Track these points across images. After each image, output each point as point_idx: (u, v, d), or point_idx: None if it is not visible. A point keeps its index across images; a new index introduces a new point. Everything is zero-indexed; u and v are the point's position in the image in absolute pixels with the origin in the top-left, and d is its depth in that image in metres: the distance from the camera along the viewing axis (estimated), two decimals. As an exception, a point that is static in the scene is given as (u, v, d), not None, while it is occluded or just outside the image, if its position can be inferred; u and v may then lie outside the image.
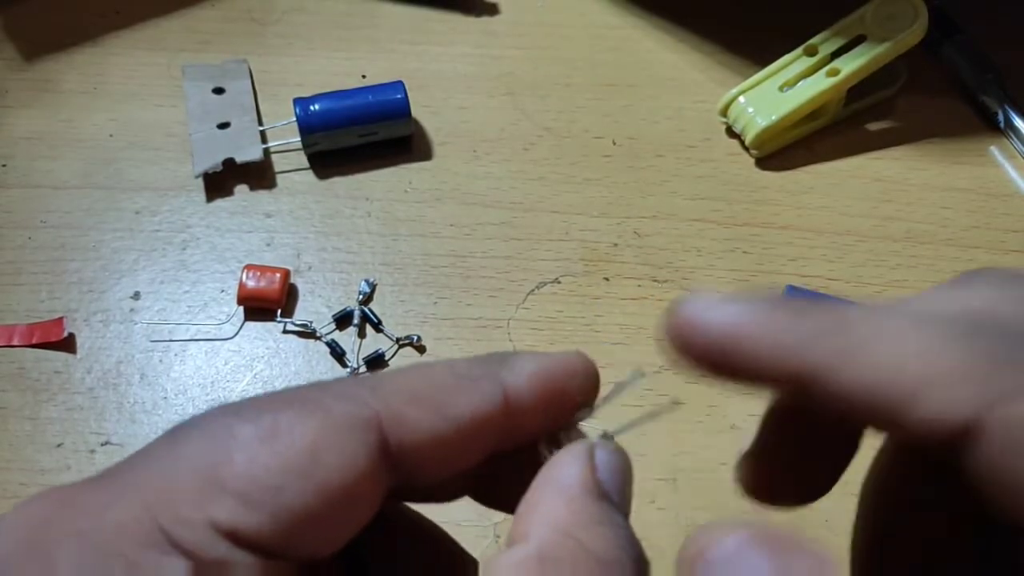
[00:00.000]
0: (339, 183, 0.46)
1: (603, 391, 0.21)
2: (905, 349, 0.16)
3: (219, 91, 0.47)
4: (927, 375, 0.15)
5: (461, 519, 0.27)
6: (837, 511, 0.38)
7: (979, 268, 0.18)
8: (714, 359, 0.18)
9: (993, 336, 0.16)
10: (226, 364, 0.41)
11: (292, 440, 0.17)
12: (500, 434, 0.19)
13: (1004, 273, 0.18)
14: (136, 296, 0.42)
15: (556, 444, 0.20)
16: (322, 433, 0.18)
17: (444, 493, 0.22)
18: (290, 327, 0.41)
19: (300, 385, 0.19)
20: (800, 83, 0.46)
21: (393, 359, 0.41)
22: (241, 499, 0.17)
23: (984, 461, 0.15)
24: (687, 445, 0.38)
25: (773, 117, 0.45)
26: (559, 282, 0.43)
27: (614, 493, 0.19)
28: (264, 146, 0.46)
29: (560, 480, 0.19)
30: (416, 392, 0.19)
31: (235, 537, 0.17)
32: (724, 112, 0.47)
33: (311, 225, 0.45)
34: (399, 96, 0.45)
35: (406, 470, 0.19)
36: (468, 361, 0.20)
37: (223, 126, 0.46)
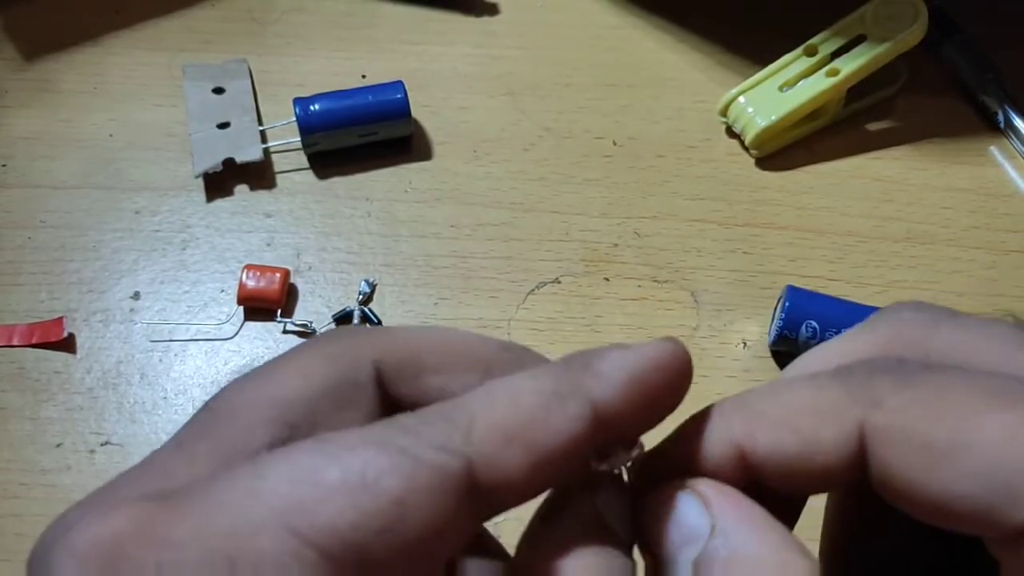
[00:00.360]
0: (339, 183, 0.46)
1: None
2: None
3: (219, 91, 0.47)
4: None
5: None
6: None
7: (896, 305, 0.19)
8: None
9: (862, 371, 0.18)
10: (226, 364, 0.41)
11: (380, 494, 0.16)
12: (587, 447, 0.18)
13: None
14: (136, 296, 0.42)
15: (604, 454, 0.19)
16: (411, 488, 0.16)
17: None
18: (290, 327, 0.41)
19: (390, 422, 0.17)
20: (800, 83, 0.46)
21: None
22: (321, 554, 0.16)
23: (874, 469, 0.17)
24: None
25: (773, 117, 0.45)
26: (559, 282, 0.43)
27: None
28: (264, 146, 0.46)
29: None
30: (509, 430, 0.17)
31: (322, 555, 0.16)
32: (724, 112, 0.47)
33: (311, 225, 0.45)
34: (399, 96, 0.45)
35: (495, 503, 0.18)
36: (553, 371, 0.18)
37: (223, 126, 0.46)
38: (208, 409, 0.18)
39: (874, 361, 0.18)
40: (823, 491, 0.20)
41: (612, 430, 0.18)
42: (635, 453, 0.19)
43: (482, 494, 0.17)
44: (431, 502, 0.16)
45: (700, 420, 0.20)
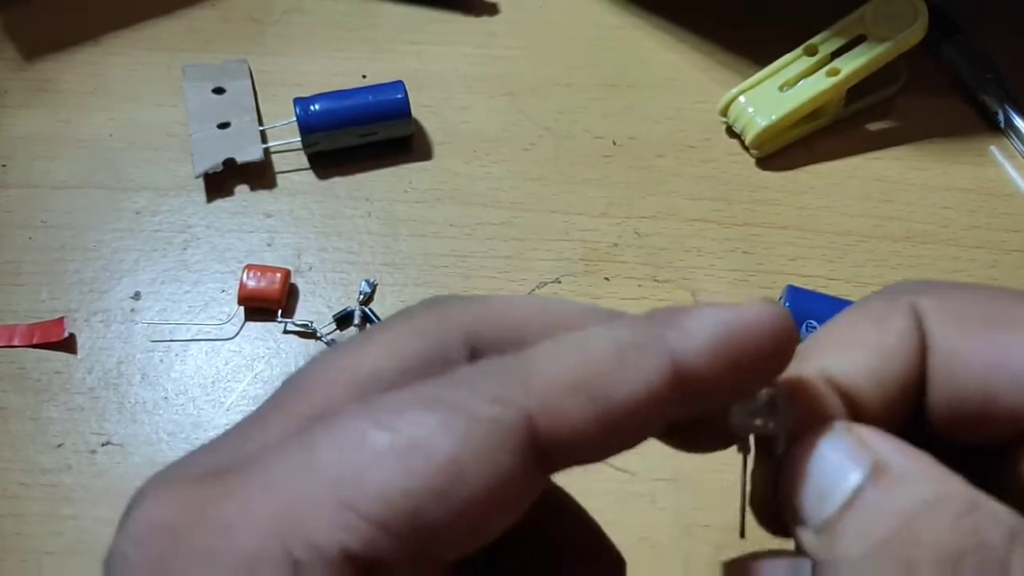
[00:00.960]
0: (339, 183, 0.46)
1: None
2: None
3: (219, 91, 0.47)
4: None
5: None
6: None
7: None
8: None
9: None
10: (227, 364, 0.41)
11: (432, 455, 0.15)
12: (670, 408, 0.16)
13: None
14: (136, 296, 0.42)
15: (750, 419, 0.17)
16: (466, 446, 0.15)
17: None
18: (291, 327, 0.41)
19: (443, 378, 0.16)
20: (800, 83, 0.46)
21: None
22: (376, 525, 0.15)
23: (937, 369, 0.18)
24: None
25: (773, 117, 0.45)
26: (559, 282, 0.43)
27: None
28: (264, 146, 0.46)
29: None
30: (574, 379, 0.16)
31: (369, 565, 0.15)
32: (724, 112, 0.47)
33: (311, 225, 0.45)
34: (399, 96, 0.45)
35: (560, 460, 0.16)
36: (632, 322, 0.17)
37: (223, 126, 0.46)
38: (289, 383, 0.18)
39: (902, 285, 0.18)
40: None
41: (695, 394, 0.16)
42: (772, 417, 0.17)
43: (545, 451, 0.16)
44: (489, 459, 0.15)
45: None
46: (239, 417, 0.21)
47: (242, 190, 0.45)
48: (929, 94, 0.50)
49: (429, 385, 0.16)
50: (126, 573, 0.15)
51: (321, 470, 0.15)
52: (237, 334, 0.41)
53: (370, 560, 0.15)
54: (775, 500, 0.18)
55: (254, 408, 0.18)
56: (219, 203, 0.45)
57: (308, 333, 0.41)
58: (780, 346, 0.16)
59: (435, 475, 0.15)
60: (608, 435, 0.16)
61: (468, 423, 0.15)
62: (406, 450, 0.15)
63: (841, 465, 0.16)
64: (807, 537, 0.17)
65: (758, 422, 0.17)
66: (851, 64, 0.45)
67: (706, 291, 0.43)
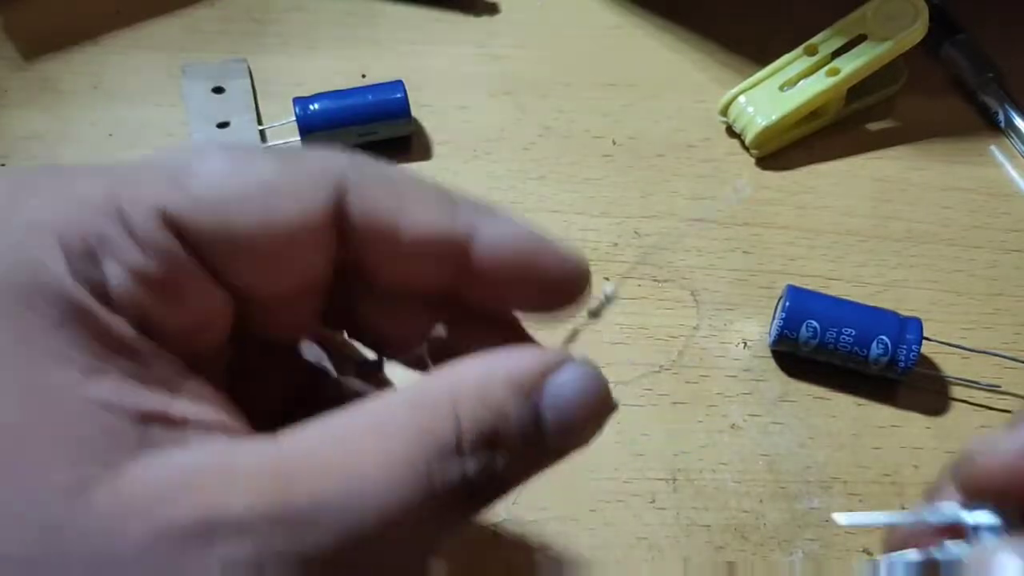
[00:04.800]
0: (339, 183, 0.46)
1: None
2: None
3: (219, 90, 0.47)
4: None
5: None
6: (836, 509, 0.38)
7: None
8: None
9: None
10: (226, 364, 0.41)
11: (257, 169, 0.19)
12: (452, 274, 0.20)
13: None
14: (135, 296, 0.42)
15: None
16: (288, 171, 0.19)
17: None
18: (290, 327, 0.41)
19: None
20: (800, 82, 0.46)
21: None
22: (194, 200, 0.18)
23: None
24: (687, 445, 0.38)
25: (773, 117, 0.45)
26: (559, 282, 0.43)
27: (556, 418, 0.19)
28: (264, 145, 0.46)
29: (504, 361, 0.19)
30: (391, 180, 0.20)
31: (180, 233, 0.18)
32: (724, 112, 0.47)
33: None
34: (399, 96, 0.45)
35: (355, 247, 0.20)
36: (456, 194, 0.21)
37: (223, 126, 0.46)
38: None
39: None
40: None
41: (484, 281, 0.20)
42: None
43: (349, 221, 0.20)
44: (302, 183, 0.19)
45: None
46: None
47: (241, 190, 0.45)
48: (929, 94, 0.50)
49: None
50: None
51: (159, 162, 0.19)
52: (236, 334, 0.41)
53: (186, 230, 0.18)
54: None
55: None
56: (218, 203, 0.45)
57: (307, 333, 0.41)
58: (563, 279, 0.21)
59: (256, 181, 0.19)
60: (395, 248, 0.20)
61: (296, 160, 0.19)
62: (238, 160, 0.19)
63: None
64: None
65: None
66: (851, 64, 0.45)
67: (706, 291, 0.43)
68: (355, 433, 0.17)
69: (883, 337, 0.38)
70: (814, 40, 0.47)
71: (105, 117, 0.47)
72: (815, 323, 0.39)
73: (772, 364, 0.41)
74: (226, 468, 0.16)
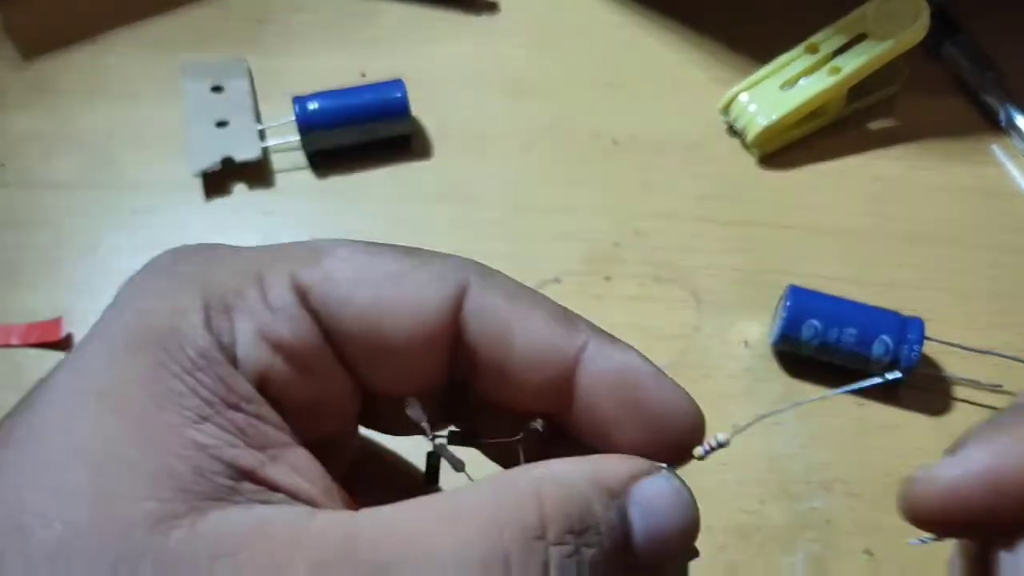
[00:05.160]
0: (338, 182, 0.46)
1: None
2: None
3: (218, 89, 0.47)
4: None
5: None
6: (837, 509, 0.38)
7: None
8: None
9: None
10: (225, 364, 0.40)
11: (386, 260, 0.20)
12: (557, 393, 0.20)
13: None
14: (134, 296, 0.42)
15: None
16: (415, 265, 0.20)
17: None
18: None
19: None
20: (801, 81, 0.46)
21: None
22: (325, 275, 0.19)
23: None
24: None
25: (774, 116, 0.45)
26: (559, 281, 0.43)
27: (644, 524, 0.19)
28: (263, 145, 0.45)
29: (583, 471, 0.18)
30: (511, 290, 0.21)
31: (310, 306, 0.19)
32: (725, 111, 0.47)
33: (310, 224, 0.44)
34: (399, 95, 0.45)
35: (467, 351, 0.20)
36: (574, 313, 0.21)
37: (222, 124, 0.46)
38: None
39: None
40: None
41: (590, 403, 0.20)
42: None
43: (465, 328, 0.20)
44: (425, 283, 0.20)
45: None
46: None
47: (240, 189, 0.45)
48: (930, 93, 0.49)
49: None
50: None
51: (303, 244, 0.21)
52: (236, 334, 0.41)
53: (313, 300, 0.19)
54: None
55: None
56: (217, 202, 0.45)
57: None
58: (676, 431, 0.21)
59: (384, 272, 0.20)
60: (505, 364, 0.20)
61: (421, 259, 0.20)
62: (366, 252, 0.20)
63: None
64: None
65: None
66: (852, 63, 0.45)
67: (708, 291, 0.43)
68: (433, 513, 0.17)
69: (885, 337, 0.38)
70: (815, 39, 0.46)
71: (104, 117, 0.47)
72: (817, 323, 0.38)
73: (774, 364, 0.41)
74: (299, 528, 0.17)
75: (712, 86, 0.49)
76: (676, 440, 0.20)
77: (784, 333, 0.39)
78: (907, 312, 0.39)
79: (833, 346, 0.38)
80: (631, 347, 0.21)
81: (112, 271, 0.43)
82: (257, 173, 0.45)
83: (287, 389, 0.19)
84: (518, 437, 0.21)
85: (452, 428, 0.22)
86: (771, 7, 0.52)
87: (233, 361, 0.18)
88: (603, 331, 0.21)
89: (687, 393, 0.21)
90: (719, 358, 0.41)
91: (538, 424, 0.20)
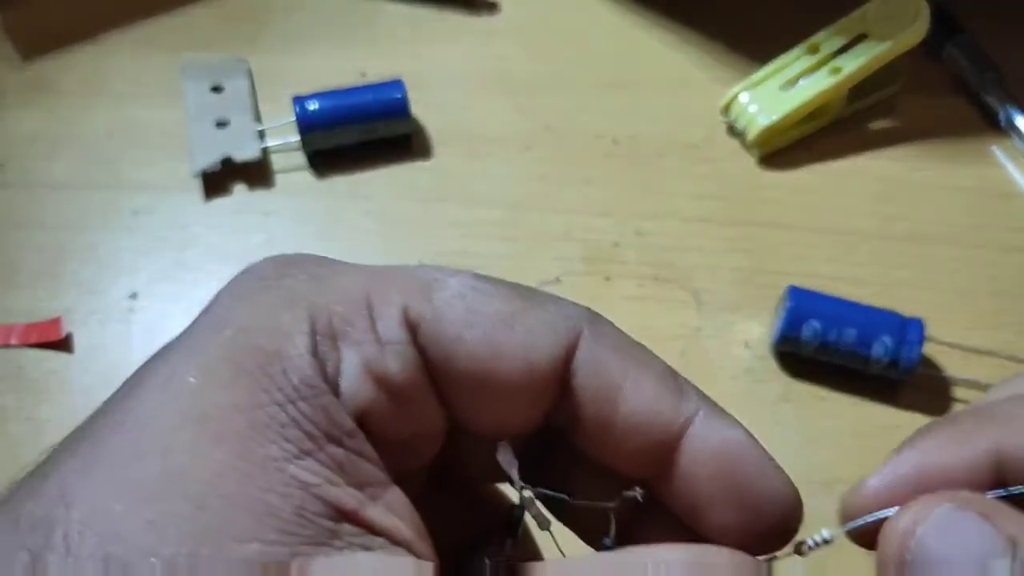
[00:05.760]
0: (338, 182, 0.46)
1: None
2: None
3: (218, 89, 0.47)
4: None
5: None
6: (837, 509, 0.38)
7: None
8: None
9: None
10: (225, 364, 0.40)
11: (499, 300, 0.19)
12: (657, 459, 0.19)
13: None
14: (134, 296, 0.42)
15: None
16: (528, 309, 0.19)
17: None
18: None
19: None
20: (801, 82, 0.46)
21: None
22: (435, 310, 0.19)
23: None
24: None
25: (774, 116, 0.45)
26: (560, 281, 0.43)
27: None
28: (263, 145, 0.45)
29: None
30: (624, 347, 0.20)
31: (417, 341, 0.18)
32: (725, 111, 0.47)
33: (310, 224, 0.44)
34: (399, 95, 0.45)
35: (570, 404, 0.19)
36: (685, 380, 0.20)
37: (221, 125, 0.46)
38: None
39: None
40: None
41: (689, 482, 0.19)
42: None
43: (573, 378, 0.19)
44: (538, 327, 0.19)
45: (940, 432, 0.19)
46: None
47: (240, 189, 0.45)
48: (931, 94, 0.49)
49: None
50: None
51: (411, 271, 0.20)
52: (236, 334, 0.41)
53: (417, 330, 0.18)
54: None
55: None
56: (217, 202, 0.45)
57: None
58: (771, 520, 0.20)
59: (495, 314, 0.19)
60: (610, 424, 0.19)
61: (535, 300, 0.20)
62: (483, 286, 0.20)
63: (980, 551, 0.17)
64: None
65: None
66: (853, 63, 0.45)
67: (708, 291, 0.43)
68: None
69: (885, 337, 0.38)
70: (815, 39, 0.46)
71: (104, 117, 0.47)
72: (817, 323, 0.38)
73: (774, 364, 0.41)
74: None
75: (712, 86, 0.49)
76: (772, 528, 0.19)
77: (784, 333, 0.39)
78: (907, 312, 0.39)
79: (833, 346, 0.38)
80: (738, 423, 0.20)
81: (112, 271, 0.43)
82: (257, 173, 0.45)
83: (386, 424, 0.18)
84: (613, 504, 0.20)
85: (542, 488, 0.20)
86: (771, 7, 0.52)
87: (336, 392, 0.17)
88: (712, 401, 0.20)
89: (789, 479, 0.20)
90: (719, 358, 0.41)
91: (637, 493, 0.19)
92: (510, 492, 0.20)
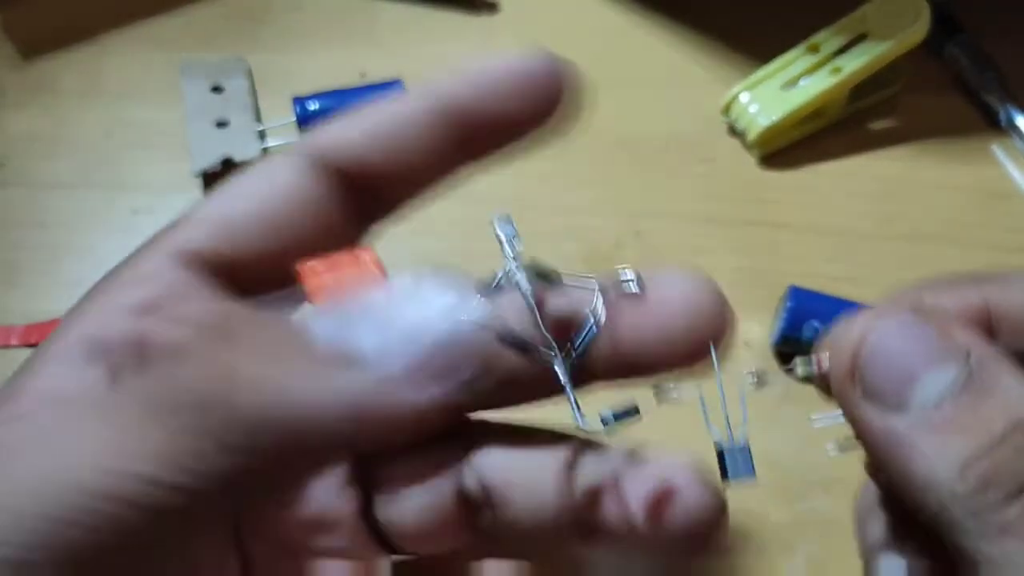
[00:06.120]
0: (338, 182, 0.46)
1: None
2: None
3: (217, 89, 0.47)
4: None
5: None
6: (837, 509, 0.38)
7: None
8: None
9: None
10: (225, 364, 0.40)
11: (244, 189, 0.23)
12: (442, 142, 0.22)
13: None
14: (134, 296, 0.42)
15: None
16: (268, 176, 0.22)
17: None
18: (289, 327, 0.41)
19: None
20: (802, 81, 0.46)
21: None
22: (203, 227, 0.22)
23: None
24: (687, 445, 0.38)
25: (775, 116, 0.45)
26: (560, 282, 0.43)
27: None
28: (263, 145, 0.45)
29: None
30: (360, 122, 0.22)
31: (193, 261, 0.22)
32: (726, 111, 0.47)
33: (310, 224, 0.44)
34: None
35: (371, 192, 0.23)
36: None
37: (221, 124, 0.46)
38: None
39: None
40: None
41: (480, 127, 0.22)
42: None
43: (345, 174, 0.22)
44: (277, 175, 0.22)
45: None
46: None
47: (241, 189, 0.45)
48: (931, 93, 0.49)
49: None
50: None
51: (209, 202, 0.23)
52: (235, 334, 0.41)
53: (194, 255, 0.22)
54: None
55: None
56: (217, 202, 0.45)
57: (307, 333, 0.41)
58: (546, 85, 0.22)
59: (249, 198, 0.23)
60: (390, 159, 0.22)
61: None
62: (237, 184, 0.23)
63: (929, 354, 0.18)
64: (873, 413, 0.19)
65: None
66: (853, 63, 0.45)
67: (707, 291, 0.42)
68: None
69: (885, 337, 0.38)
70: (816, 39, 0.46)
71: (104, 117, 0.47)
72: (817, 323, 0.38)
73: (775, 365, 0.40)
74: None
75: (713, 86, 0.48)
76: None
77: (785, 333, 0.39)
78: (908, 312, 0.39)
79: (834, 346, 0.38)
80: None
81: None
82: (257, 173, 0.45)
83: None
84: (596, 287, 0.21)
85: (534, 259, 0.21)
86: (772, 7, 0.52)
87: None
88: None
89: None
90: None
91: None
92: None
